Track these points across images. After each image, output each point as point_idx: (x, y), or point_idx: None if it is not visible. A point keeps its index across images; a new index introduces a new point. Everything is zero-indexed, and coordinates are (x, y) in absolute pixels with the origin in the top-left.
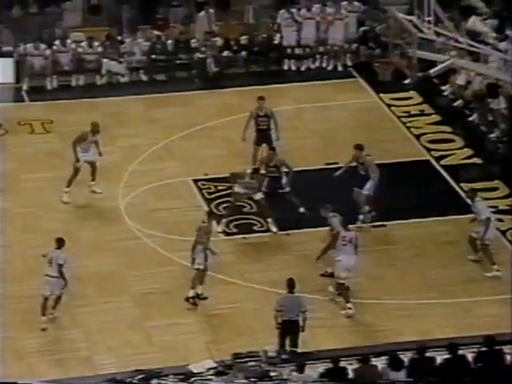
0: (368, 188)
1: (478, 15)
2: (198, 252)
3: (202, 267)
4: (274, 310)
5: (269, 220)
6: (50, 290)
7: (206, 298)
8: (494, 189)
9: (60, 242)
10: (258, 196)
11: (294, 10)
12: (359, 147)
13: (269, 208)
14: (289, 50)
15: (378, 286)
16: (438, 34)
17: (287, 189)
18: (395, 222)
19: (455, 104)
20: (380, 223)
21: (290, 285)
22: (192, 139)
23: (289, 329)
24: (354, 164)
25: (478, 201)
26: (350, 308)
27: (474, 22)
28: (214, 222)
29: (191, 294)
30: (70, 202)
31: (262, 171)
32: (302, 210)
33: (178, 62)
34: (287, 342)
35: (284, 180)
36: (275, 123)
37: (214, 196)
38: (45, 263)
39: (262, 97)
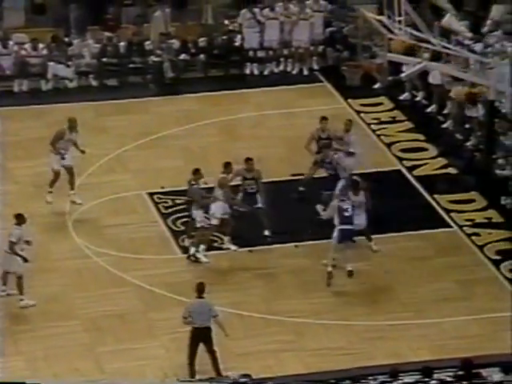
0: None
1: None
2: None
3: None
4: (182, 316)
5: (226, 238)
6: (7, 266)
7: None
8: (471, 201)
9: (18, 219)
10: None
11: (256, 10)
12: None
13: (231, 226)
14: (251, 53)
15: (347, 306)
16: (410, 35)
17: (261, 205)
18: (364, 237)
19: (428, 110)
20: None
21: (200, 289)
22: (147, 149)
23: (201, 336)
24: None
25: None
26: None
27: (449, 20)
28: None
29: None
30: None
31: (234, 183)
32: (267, 232)
33: (131, 65)
34: (198, 350)
35: (259, 195)
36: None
37: (171, 211)
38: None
39: (326, 117)
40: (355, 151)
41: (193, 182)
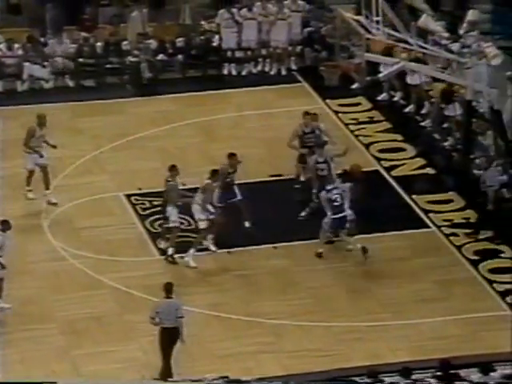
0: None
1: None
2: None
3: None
4: (150, 316)
5: (209, 237)
6: None
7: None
8: (449, 201)
9: (3, 224)
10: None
11: (234, 10)
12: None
13: (218, 226)
14: (229, 53)
15: (325, 307)
16: (387, 35)
17: (240, 197)
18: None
19: (406, 110)
20: (327, 240)
21: (167, 289)
22: (124, 150)
23: (171, 336)
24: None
25: None
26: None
27: (426, 21)
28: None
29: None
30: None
31: (217, 183)
32: (247, 224)
33: (107, 66)
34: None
35: (236, 187)
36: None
37: (148, 212)
38: None
39: (309, 112)
40: (328, 139)
41: (169, 179)
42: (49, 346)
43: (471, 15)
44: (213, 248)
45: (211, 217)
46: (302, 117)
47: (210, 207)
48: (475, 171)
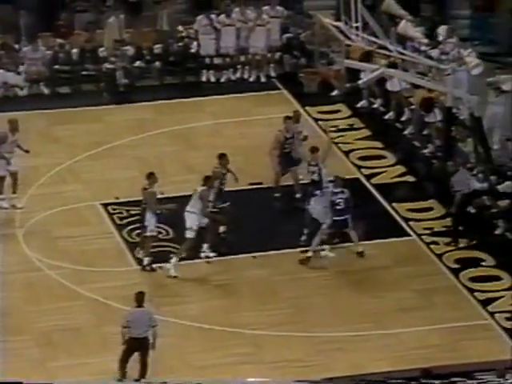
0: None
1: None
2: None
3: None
4: (121, 326)
5: (206, 245)
6: None
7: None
8: (429, 209)
9: None
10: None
11: (212, 16)
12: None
13: (213, 233)
14: (207, 60)
15: (306, 317)
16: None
17: (228, 202)
18: (323, 246)
19: (386, 117)
20: (306, 248)
21: (139, 299)
22: (100, 159)
23: (136, 346)
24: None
25: None
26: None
27: (405, 27)
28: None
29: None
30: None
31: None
32: (221, 229)
33: (83, 73)
34: (129, 360)
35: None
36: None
37: (126, 221)
38: None
39: (290, 116)
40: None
41: (147, 187)
42: (24, 358)
43: (441, 30)
44: (211, 254)
45: (202, 225)
46: (282, 122)
47: (202, 217)
48: (467, 191)
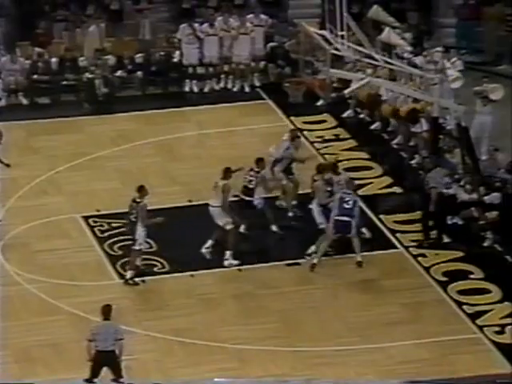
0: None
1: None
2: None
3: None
4: (86, 339)
5: (228, 253)
6: None
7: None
8: (416, 221)
9: None
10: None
11: (196, 25)
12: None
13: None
14: (190, 70)
15: (292, 331)
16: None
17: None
18: (309, 259)
19: (372, 127)
20: (293, 261)
21: (105, 311)
22: (81, 170)
23: (104, 360)
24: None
25: None
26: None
27: (388, 34)
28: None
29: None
30: None
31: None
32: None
33: (63, 83)
34: (102, 373)
35: None
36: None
37: (107, 234)
38: None
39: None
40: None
41: (138, 200)
42: (2, 374)
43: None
44: (234, 262)
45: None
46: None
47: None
48: (443, 190)
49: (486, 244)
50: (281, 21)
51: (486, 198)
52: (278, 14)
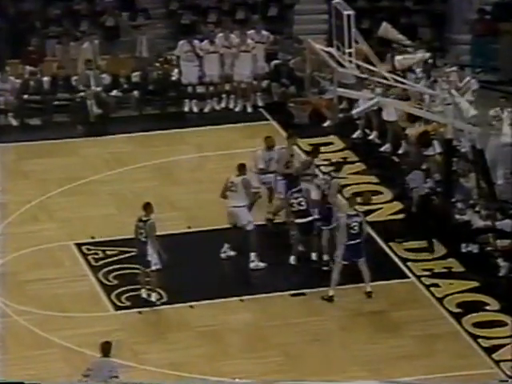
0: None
1: (402, 50)
2: None
3: None
4: (82, 374)
5: (253, 254)
6: None
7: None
8: (428, 249)
9: None
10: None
11: (195, 42)
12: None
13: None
14: (189, 89)
15: (298, 364)
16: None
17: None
18: (315, 289)
19: (382, 149)
20: (298, 291)
21: (104, 348)
22: (74, 196)
23: None
24: None
25: None
26: None
27: (385, 29)
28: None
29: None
30: None
31: None
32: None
33: (55, 103)
34: None
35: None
36: None
37: (102, 263)
38: None
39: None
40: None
41: (145, 218)
42: None
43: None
44: (261, 265)
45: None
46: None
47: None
48: (457, 216)
49: (501, 273)
50: (285, 37)
51: (497, 223)
52: (282, 30)
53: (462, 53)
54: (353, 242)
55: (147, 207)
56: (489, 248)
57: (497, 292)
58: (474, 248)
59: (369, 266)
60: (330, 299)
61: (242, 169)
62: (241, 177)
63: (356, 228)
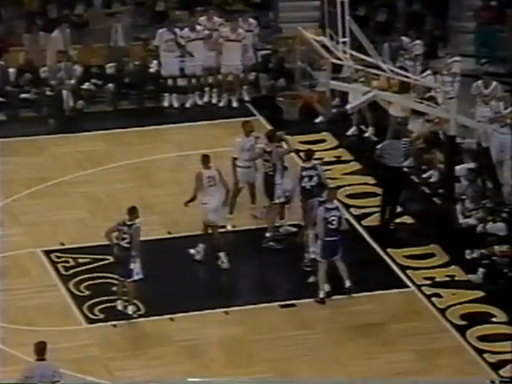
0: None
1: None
2: None
3: None
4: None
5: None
6: None
7: None
8: (430, 255)
9: None
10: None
11: (176, 30)
12: None
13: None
14: (170, 82)
15: (286, 382)
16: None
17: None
18: (307, 300)
19: (378, 147)
20: (288, 302)
21: (39, 349)
22: (43, 198)
23: None
24: None
25: None
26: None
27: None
28: None
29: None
30: None
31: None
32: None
33: (22, 96)
34: None
35: None
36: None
37: (73, 272)
38: None
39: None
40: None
41: (129, 223)
42: None
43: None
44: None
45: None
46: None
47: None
48: (460, 220)
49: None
50: (273, 26)
51: (487, 226)
52: (266, 18)
53: (466, 42)
54: (329, 238)
55: (132, 211)
56: (488, 253)
57: (504, 302)
58: (478, 254)
59: (364, 275)
60: (321, 301)
61: (207, 160)
62: (213, 169)
63: (334, 223)
